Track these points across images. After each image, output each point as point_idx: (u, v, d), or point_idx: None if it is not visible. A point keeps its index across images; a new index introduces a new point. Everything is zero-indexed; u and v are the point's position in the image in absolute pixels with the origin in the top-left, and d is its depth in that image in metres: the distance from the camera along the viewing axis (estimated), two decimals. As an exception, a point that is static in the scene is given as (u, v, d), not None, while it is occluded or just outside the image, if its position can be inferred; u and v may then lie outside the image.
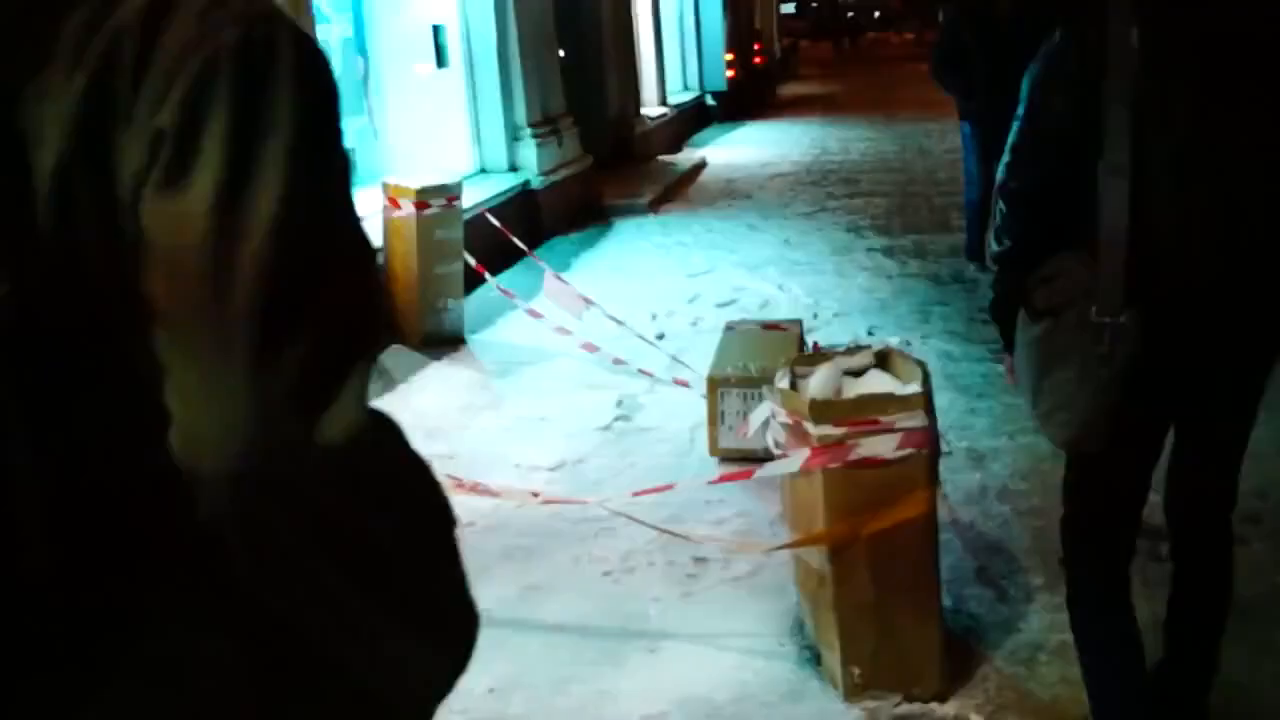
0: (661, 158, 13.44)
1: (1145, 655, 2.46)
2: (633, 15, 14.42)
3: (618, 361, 5.72)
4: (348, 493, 0.88)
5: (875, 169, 12.62)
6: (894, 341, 6.07)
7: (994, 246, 2.32)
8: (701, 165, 13.32)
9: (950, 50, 6.98)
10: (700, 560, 3.64)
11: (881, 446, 2.71)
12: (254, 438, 0.78)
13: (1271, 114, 2.06)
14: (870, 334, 6.25)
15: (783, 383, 2.98)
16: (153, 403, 0.79)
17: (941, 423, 4.94)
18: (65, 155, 0.79)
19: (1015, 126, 2.22)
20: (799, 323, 5.35)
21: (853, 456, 2.70)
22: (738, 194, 11.31)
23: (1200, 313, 2.11)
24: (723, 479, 3.20)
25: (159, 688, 0.83)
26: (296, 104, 0.83)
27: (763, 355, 4.69)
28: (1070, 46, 2.13)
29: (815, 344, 5.00)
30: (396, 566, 0.95)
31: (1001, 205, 2.26)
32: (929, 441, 2.76)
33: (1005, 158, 2.25)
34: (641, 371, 5.62)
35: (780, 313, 6.42)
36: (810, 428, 2.75)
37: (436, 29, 8.45)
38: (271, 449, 0.78)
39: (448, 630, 1.01)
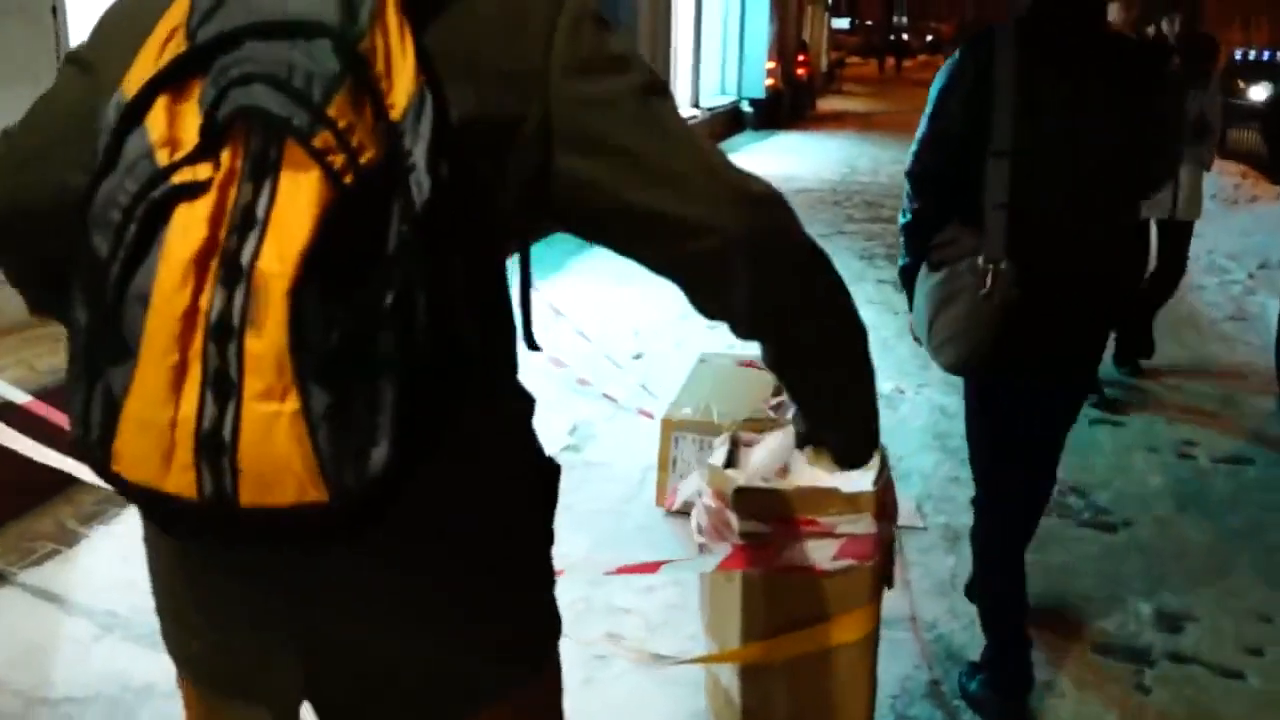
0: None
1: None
2: (671, 12, 13.96)
3: (582, 382, 5.23)
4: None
5: (900, 194, 12.07)
6: (886, 389, 5.59)
7: (901, 219, 2.82)
8: (724, 172, 12.81)
9: None
10: (615, 636, 3.15)
11: (816, 554, 2.21)
12: (755, 192, 1.27)
13: (1113, 124, 2.57)
14: (863, 379, 5.75)
15: (719, 453, 2.48)
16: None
17: (920, 491, 4.47)
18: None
19: (922, 124, 2.71)
20: (780, 362, 4.85)
21: (780, 563, 2.21)
22: (755, 207, 10.81)
23: (1059, 270, 2.57)
24: (621, 571, 2.68)
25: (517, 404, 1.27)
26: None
27: (730, 397, 4.21)
28: (966, 63, 2.62)
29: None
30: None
31: (908, 186, 2.78)
32: (875, 553, 2.25)
33: (913, 147, 2.75)
34: (605, 396, 5.15)
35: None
36: (733, 520, 2.25)
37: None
38: (760, 196, 1.27)
39: None
